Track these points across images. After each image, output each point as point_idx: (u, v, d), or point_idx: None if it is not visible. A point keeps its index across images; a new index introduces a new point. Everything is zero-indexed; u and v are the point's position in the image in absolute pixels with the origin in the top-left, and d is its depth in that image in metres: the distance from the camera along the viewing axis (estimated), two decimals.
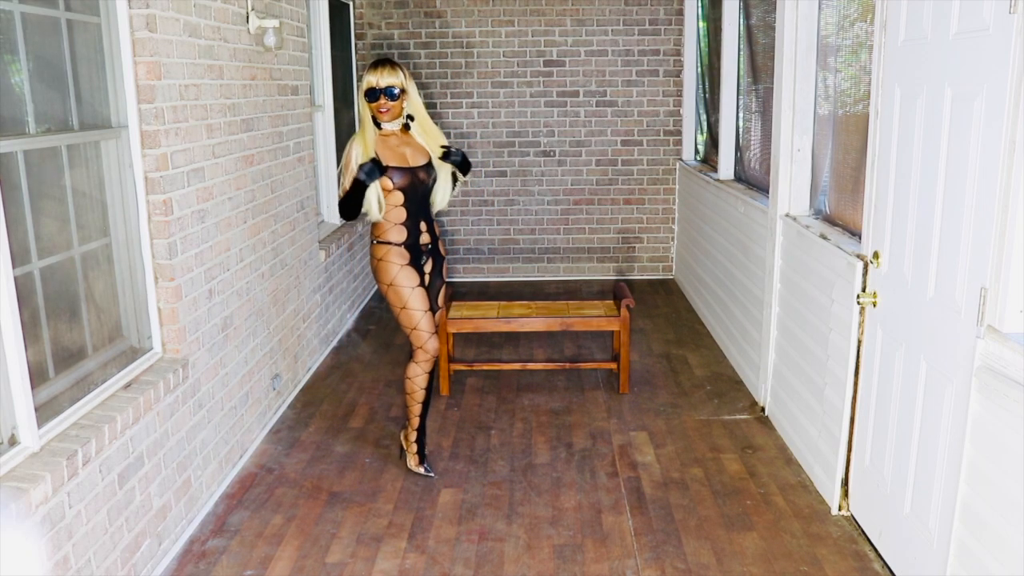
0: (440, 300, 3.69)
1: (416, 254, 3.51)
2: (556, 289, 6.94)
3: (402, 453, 3.75)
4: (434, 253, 3.61)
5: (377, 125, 3.43)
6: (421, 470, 3.65)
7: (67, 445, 2.45)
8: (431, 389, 3.66)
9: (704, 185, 5.95)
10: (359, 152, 3.35)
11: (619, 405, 4.41)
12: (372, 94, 3.36)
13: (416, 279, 3.48)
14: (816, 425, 3.49)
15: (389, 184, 3.38)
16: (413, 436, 3.66)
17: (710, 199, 5.74)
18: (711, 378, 4.78)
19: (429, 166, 3.46)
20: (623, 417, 4.25)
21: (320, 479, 3.63)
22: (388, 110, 3.37)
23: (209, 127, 3.46)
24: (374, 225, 3.49)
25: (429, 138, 3.48)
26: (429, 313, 3.50)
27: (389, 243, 3.46)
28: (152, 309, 3.14)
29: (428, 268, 3.60)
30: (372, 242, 3.53)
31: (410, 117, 3.45)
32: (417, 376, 3.54)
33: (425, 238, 3.54)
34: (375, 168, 3.31)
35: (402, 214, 3.45)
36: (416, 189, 3.45)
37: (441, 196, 3.55)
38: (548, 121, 7.00)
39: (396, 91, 3.36)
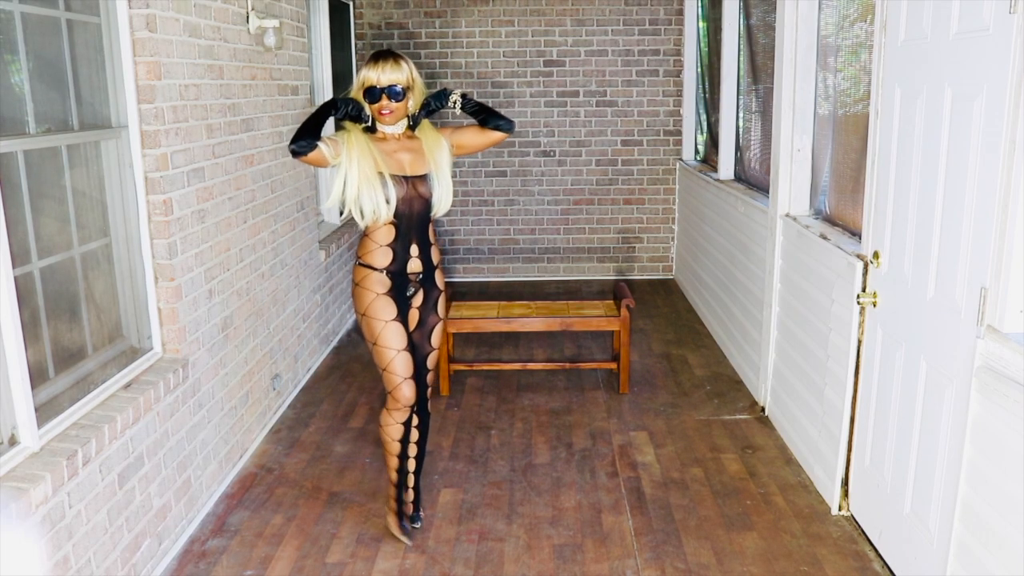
0: (435, 339, 3.12)
1: (401, 283, 2.97)
2: (556, 289, 6.94)
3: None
4: (427, 284, 3.05)
5: (372, 128, 2.90)
6: (398, 533, 3.13)
7: (67, 445, 2.45)
8: (419, 447, 3.15)
9: (704, 185, 5.95)
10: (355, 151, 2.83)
11: (619, 405, 4.41)
12: (372, 93, 2.82)
13: (393, 311, 2.94)
14: (816, 425, 3.49)
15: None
16: (393, 493, 3.16)
17: (710, 199, 5.74)
18: (711, 378, 4.78)
19: (430, 177, 2.91)
20: (623, 417, 4.25)
21: (320, 479, 3.63)
22: (391, 112, 2.83)
23: (209, 127, 3.46)
24: (360, 241, 2.99)
25: (434, 140, 2.95)
26: (405, 354, 2.94)
27: (370, 267, 2.94)
28: (152, 309, 3.14)
29: (417, 302, 3.05)
30: (355, 261, 3.01)
31: (414, 117, 2.93)
32: (389, 426, 3.03)
33: (415, 265, 2.97)
34: (358, 106, 2.86)
35: (389, 233, 2.91)
36: (411, 204, 2.89)
37: (444, 199, 2.96)
38: (548, 121, 7.00)
39: (400, 90, 2.82)
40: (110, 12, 2.90)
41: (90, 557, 2.53)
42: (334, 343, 5.46)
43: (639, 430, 4.09)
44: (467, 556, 3.04)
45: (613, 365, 4.66)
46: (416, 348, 3.06)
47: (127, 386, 2.91)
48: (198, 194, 3.34)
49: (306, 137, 2.72)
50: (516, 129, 2.59)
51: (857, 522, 3.17)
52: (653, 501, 3.41)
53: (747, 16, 5.16)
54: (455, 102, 2.91)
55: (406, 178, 2.87)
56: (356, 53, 6.74)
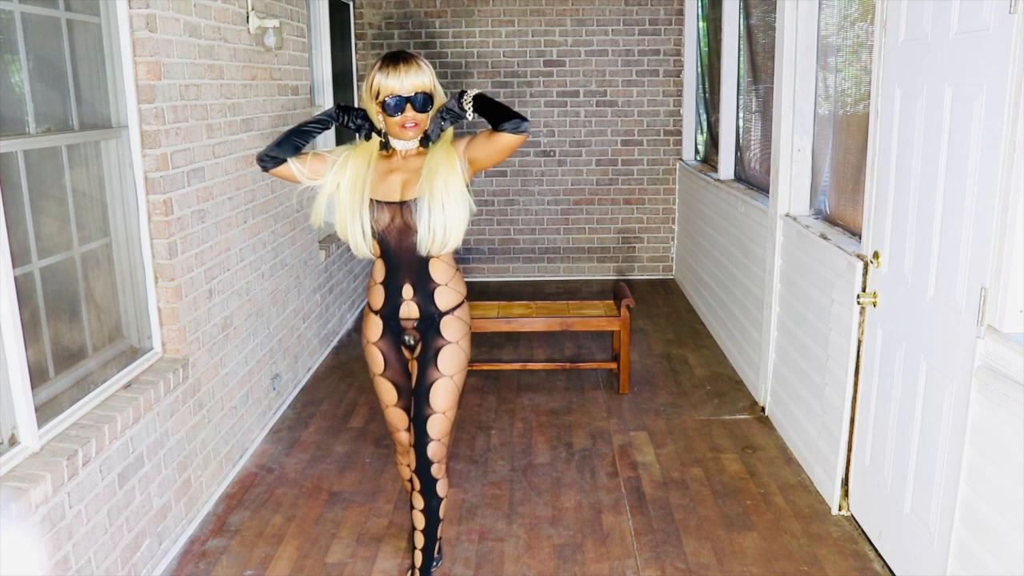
0: (436, 401, 2.52)
1: (394, 329, 2.55)
2: (556, 289, 6.94)
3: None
4: (429, 333, 2.53)
5: (384, 145, 2.44)
6: None
7: (67, 445, 2.45)
8: (427, 528, 2.64)
9: (704, 185, 5.95)
10: (352, 172, 2.41)
11: (619, 405, 4.41)
12: (393, 104, 2.33)
13: (381, 365, 2.59)
14: (816, 425, 3.49)
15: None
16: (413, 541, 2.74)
17: (710, 199, 5.74)
18: (711, 378, 4.78)
19: (418, 204, 2.37)
20: (623, 417, 4.25)
21: (320, 479, 3.63)
22: (416, 125, 2.37)
23: (209, 127, 3.46)
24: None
25: (438, 157, 2.40)
26: (396, 409, 2.65)
27: (370, 307, 2.59)
28: (152, 309, 3.15)
29: (418, 352, 2.57)
30: None
31: (427, 133, 2.43)
32: (398, 465, 2.88)
33: (409, 309, 2.50)
34: (361, 119, 2.44)
35: (382, 269, 2.51)
36: (400, 236, 2.43)
37: (442, 233, 2.38)
38: (548, 121, 7.00)
39: (428, 97, 2.36)
40: (110, 12, 2.90)
41: (90, 557, 2.53)
42: (334, 343, 5.46)
43: (639, 430, 4.09)
44: (467, 556, 3.04)
45: (613, 365, 4.66)
46: (416, 405, 2.58)
47: (127, 386, 2.91)
48: (198, 194, 3.34)
49: (276, 150, 2.40)
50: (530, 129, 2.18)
51: (857, 522, 3.17)
52: (653, 501, 3.41)
53: (747, 16, 5.16)
54: (468, 103, 2.36)
55: (394, 204, 2.40)
56: (356, 53, 6.74)
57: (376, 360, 2.62)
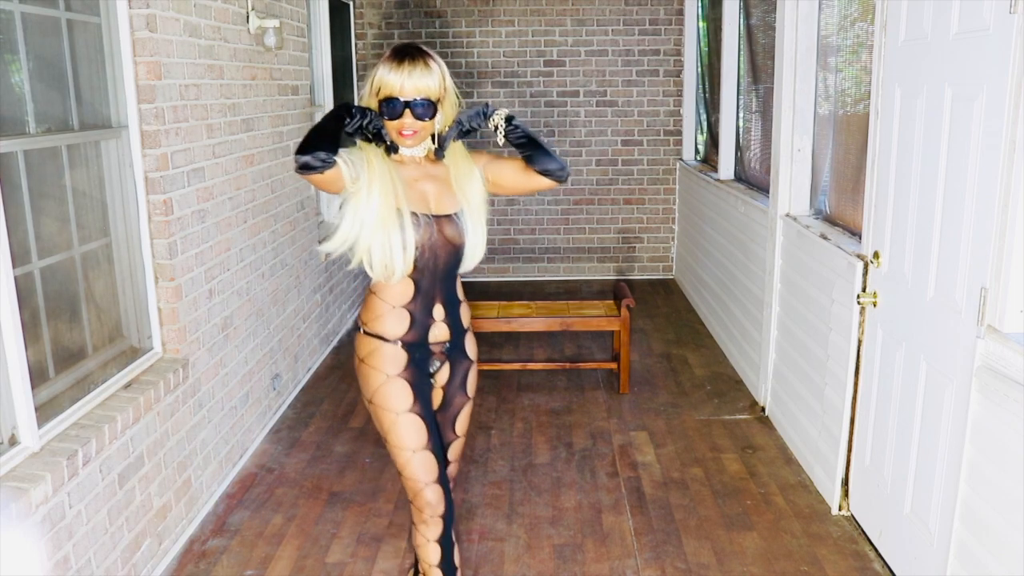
0: (460, 426, 2.39)
1: (421, 356, 2.24)
2: (556, 289, 6.94)
3: None
4: (455, 355, 2.32)
5: (391, 148, 2.14)
6: None
7: (67, 445, 2.45)
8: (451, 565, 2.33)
9: (704, 185, 5.95)
10: (380, 178, 2.07)
11: (619, 405, 4.41)
12: (391, 106, 2.06)
13: (409, 399, 2.20)
14: (816, 425, 3.49)
15: None
16: None
17: (710, 199, 5.74)
18: (711, 378, 4.78)
19: (460, 217, 2.18)
20: (623, 417, 4.25)
21: (320, 479, 3.63)
22: (414, 133, 2.10)
23: (209, 127, 3.46)
24: (364, 301, 2.25)
25: (465, 169, 2.22)
26: (426, 453, 2.21)
27: (379, 337, 2.20)
28: (152, 309, 3.15)
29: (442, 379, 2.32)
30: (357, 328, 2.26)
31: (441, 137, 2.19)
32: (422, 548, 2.27)
33: (439, 332, 2.25)
34: (374, 119, 2.10)
35: (407, 290, 2.18)
36: (436, 253, 2.16)
37: (479, 247, 2.23)
38: (548, 121, 7.00)
39: (430, 104, 2.08)
40: (110, 12, 2.90)
41: (90, 557, 2.53)
42: (334, 343, 5.46)
43: (639, 430, 4.09)
44: (467, 556, 3.04)
45: (613, 365, 4.66)
46: (439, 436, 2.34)
47: (127, 386, 2.91)
48: (198, 194, 3.34)
49: (320, 147, 1.93)
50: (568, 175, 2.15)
51: (857, 522, 3.17)
52: (653, 501, 3.41)
53: (747, 16, 5.16)
54: (497, 127, 2.16)
55: (435, 217, 2.14)
56: (356, 53, 6.74)
57: (403, 395, 2.20)
